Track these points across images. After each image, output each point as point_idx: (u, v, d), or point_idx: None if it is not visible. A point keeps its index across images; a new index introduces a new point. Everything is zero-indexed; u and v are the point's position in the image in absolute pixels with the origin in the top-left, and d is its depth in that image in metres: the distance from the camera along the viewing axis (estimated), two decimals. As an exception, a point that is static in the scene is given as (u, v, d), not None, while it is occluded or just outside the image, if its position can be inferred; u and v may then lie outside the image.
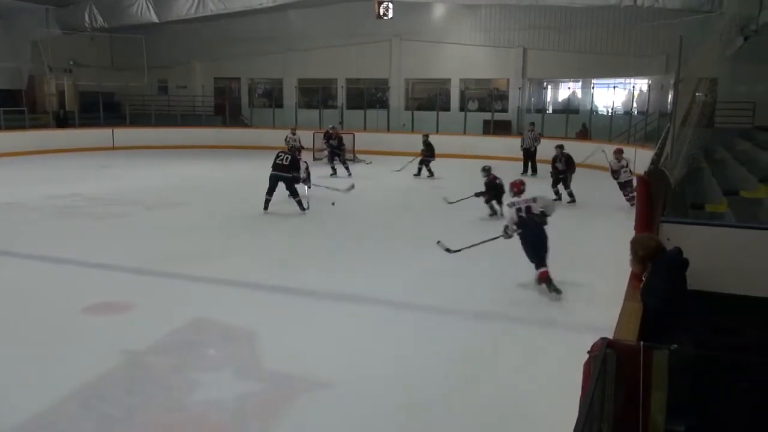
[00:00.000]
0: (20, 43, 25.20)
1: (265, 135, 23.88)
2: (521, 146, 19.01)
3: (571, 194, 13.70)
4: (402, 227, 11.49)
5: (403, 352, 5.83)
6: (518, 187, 8.09)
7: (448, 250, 8.29)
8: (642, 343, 3.03)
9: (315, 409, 4.79)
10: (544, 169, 17.41)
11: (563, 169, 13.71)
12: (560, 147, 13.80)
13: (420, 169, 17.77)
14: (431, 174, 17.65)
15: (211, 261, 8.74)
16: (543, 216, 7.61)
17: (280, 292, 7.57)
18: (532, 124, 19.56)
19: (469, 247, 8.23)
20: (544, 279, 7.41)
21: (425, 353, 5.81)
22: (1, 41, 24.97)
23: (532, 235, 7.56)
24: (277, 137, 23.48)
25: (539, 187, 15.83)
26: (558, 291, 7.29)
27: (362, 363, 5.60)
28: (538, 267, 7.49)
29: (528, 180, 13.89)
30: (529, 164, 18.71)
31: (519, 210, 7.65)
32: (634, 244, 4.21)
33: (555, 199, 12.89)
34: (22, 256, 8.99)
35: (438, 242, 8.39)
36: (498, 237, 7.95)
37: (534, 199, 7.73)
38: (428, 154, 17.80)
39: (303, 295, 7.48)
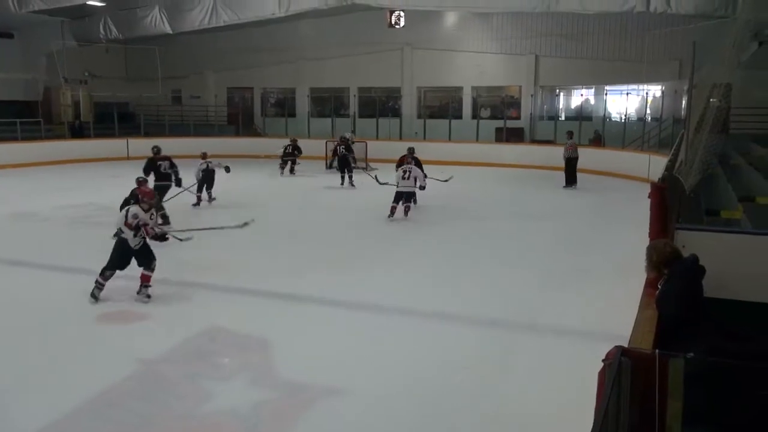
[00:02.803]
0: (36, 55, 25.52)
1: (278, 144, 23.95)
2: (570, 156, 17.63)
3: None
4: (412, 234, 11.48)
5: (416, 359, 5.82)
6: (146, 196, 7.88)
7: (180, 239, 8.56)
8: (657, 351, 3.00)
9: (328, 417, 4.79)
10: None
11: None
12: (411, 149, 13.71)
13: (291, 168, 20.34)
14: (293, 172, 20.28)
15: (223, 270, 8.76)
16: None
17: (292, 300, 7.58)
18: (571, 132, 18.41)
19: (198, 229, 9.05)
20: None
21: (438, 360, 5.79)
22: (17, 53, 25.30)
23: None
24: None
25: (579, 199, 15.85)
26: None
27: (374, 371, 5.59)
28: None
29: (571, 190, 14.15)
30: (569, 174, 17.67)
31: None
32: (650, 249, 4.17)
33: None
34: (37, 266, 9.07)
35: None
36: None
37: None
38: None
39: (315, 303, 7.49)
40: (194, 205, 13.58)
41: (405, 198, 12.36)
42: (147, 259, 7.42)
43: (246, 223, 9.67)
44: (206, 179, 13.93)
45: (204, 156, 14.30)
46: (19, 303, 7.44)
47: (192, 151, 24.60)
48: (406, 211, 12.47)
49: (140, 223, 7.28)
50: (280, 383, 5.33)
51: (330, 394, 5.10)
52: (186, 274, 8.49)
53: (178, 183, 12.51)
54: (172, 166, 12.38)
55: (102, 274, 7.35)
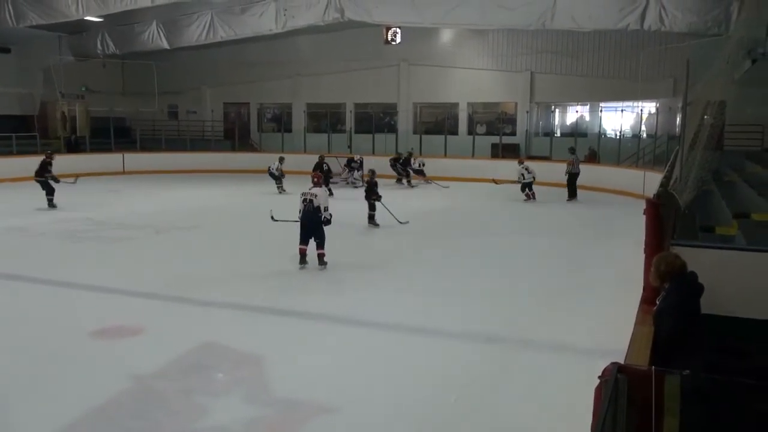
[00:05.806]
0: (33, 70, 25.58)
1: (274, 159, 23.98)
2: (572, 171, 17.90)
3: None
4: (409, 250, 11.48)
5: (412, 376, 5.79)
6: (318, 179, 10.25)
7: (272, 218, 10.56)
8: (653, 368, 3.00)
9: (323, 434, 4.76)
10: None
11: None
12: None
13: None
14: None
15: (220, 285, 8.74)
16: (318, 210, 9.39)
17: (288, 316, 7.56)
18: (572, 149, 18.64)
19: (287, 221, 10.36)
20: (321, 257, 9.52)
21: (434, 377, 5.77)
22: (14, 68, 25.35)
23: (308, 221, 9.40)
24: (286, 161, 23.70)
25: (575, 214, 15.87)
26: (324, 264, 9.47)
27: (370, 387, 5.56)
28: (317, 248, 9.51)
29: (572, 203, 14.90)
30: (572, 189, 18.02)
31: (305, 200, 9.43)
32: (659, 259, 4.16)
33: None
34: (32, 281, 9.03)
35: (271, 212, 10.66)
36: (296, 220, 9.66)
37: (316, 195, 9.45)
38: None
39: (311, 320, 7.46)
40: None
41: (528, 187, 17.39)
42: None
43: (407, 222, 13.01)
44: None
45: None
46: (14, 317, 7.40)
47: (188, 166, 24.83)
48: (532, 195, 17.40)
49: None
50: (274, 400, 5.30)
51: (324, 411, 5.06)
52: (182, 289, 8.47)
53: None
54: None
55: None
